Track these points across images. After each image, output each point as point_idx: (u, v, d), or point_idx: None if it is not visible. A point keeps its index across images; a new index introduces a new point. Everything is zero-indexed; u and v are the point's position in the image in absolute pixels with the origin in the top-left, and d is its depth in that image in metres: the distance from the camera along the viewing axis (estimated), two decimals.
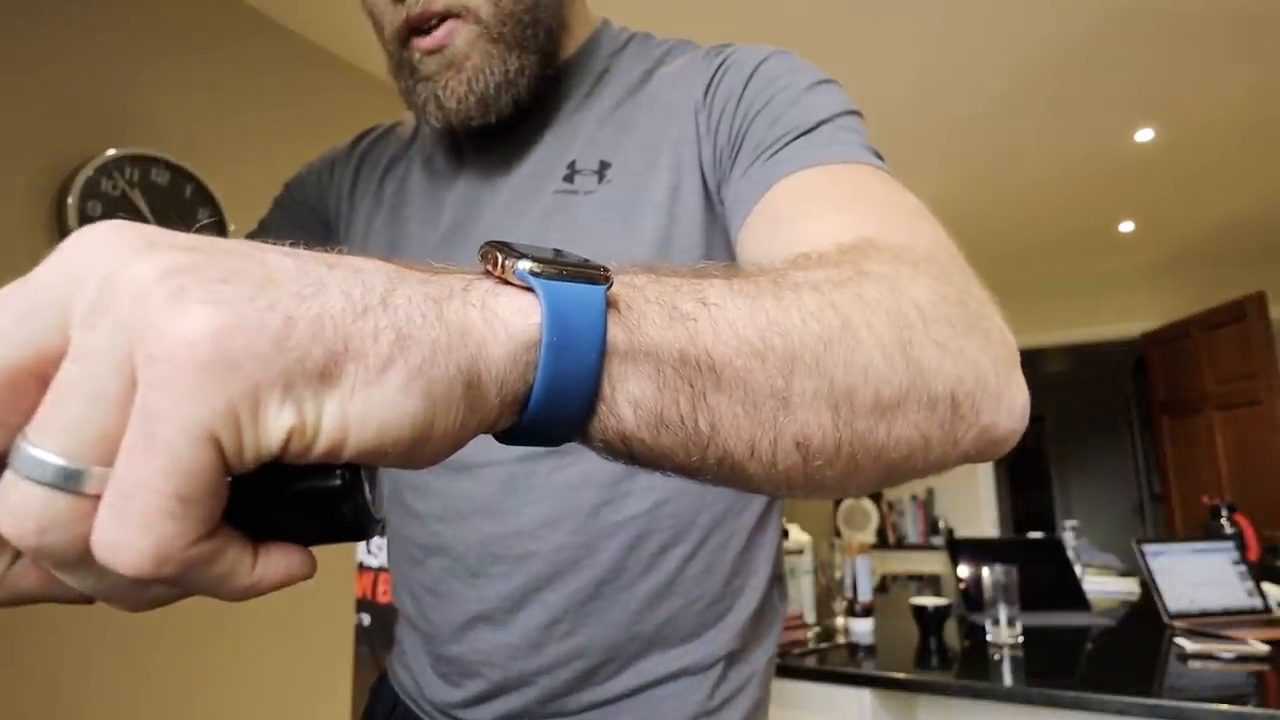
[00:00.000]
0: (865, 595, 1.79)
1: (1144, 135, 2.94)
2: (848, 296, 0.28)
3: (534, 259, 0.22)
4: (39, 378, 0.17)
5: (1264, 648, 1.44)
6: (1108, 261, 4.60)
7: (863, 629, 1.77)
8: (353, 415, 0.18)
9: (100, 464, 0.17)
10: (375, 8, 0.54)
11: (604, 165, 0.55)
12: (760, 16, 2.14)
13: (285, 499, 0.19)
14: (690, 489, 0.52)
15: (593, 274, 0.23)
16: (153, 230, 0.19)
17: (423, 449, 0.20)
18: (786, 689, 1.56)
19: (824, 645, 1.66)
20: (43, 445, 0.17)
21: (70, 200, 1.55)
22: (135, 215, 1.67)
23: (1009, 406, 0.33)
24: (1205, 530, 2.50)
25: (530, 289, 0.22)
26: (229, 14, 1.96)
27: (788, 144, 0.47)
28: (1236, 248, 4.34)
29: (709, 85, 0.53)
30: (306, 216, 0.70)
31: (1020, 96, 2.62)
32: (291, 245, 0.21)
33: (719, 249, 0.52)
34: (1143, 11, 2.16)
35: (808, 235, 0.40)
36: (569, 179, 0.55)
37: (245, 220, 1.87)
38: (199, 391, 0.16)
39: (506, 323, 0.21)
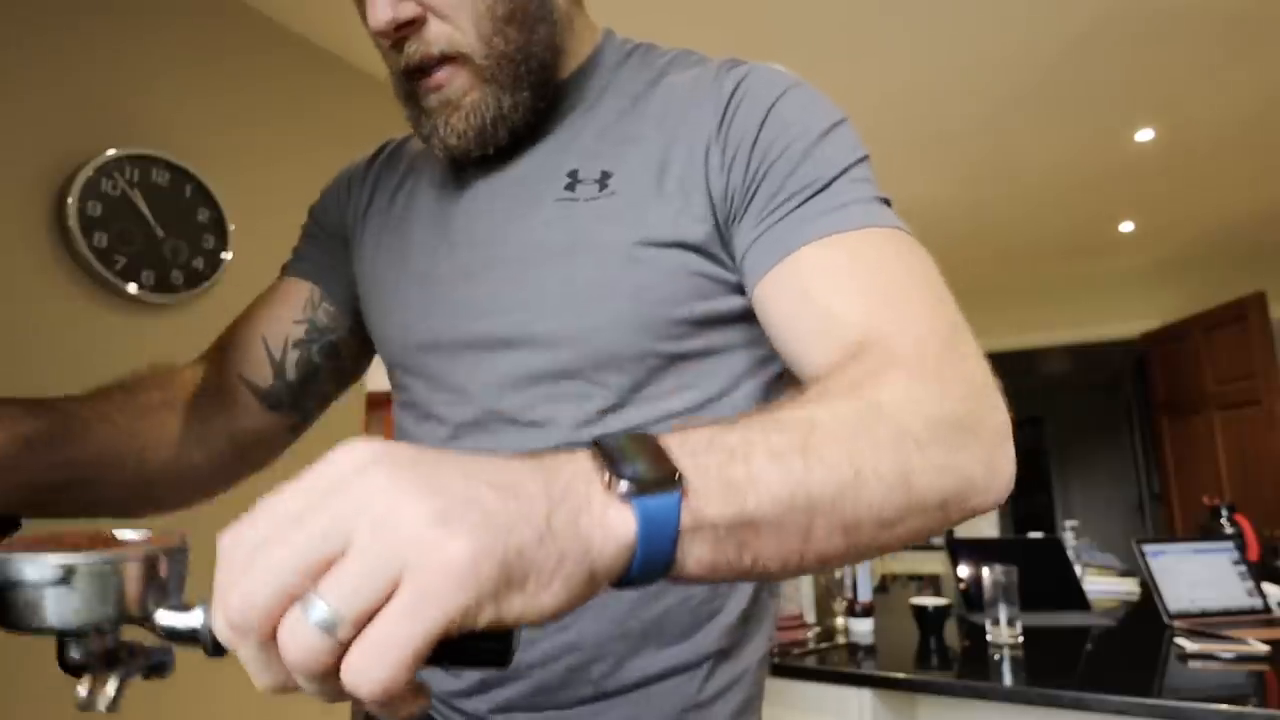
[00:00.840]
0: (865, 595, 1.79)
1: (1144, 135, 2.94)
2: (861, 446, 0.35)
3: (631, 480, 0.30)
4: (328, 562, 0.25)
5: (1264, 648, 1.44)
6: (1108, 261, 4.61)
7: (863, 629, 1.77)
8: (528, 609, 0.27)
9: (355, 625, 0.25)
10: (381, 46, 0.57)
11: (606, 175, 0.56)
12: (760, 19, 2.14)
13: (467, 649, 0.28)
14: None
15: (671, 484, 0.30)
16: (406, 466, 0.27)
17: (556, 618, 0.29)
18: (786, 689, 1.56)
19: (824, 645, 1.66)
20: (326, 599, 0.25)
21: (70, 200, 1.55)
22: (135, 215, 1.67)
23: (996, 488, 0.42)
24: (1205, 530, 2.50)
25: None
26: (229, 15, 1.96)
27: (805, 201, 0.51)
28: (1236, 248, 4.34)
29: (723, 117, 0.54)
30: (331, 242, 0.73)
31: (1020, 96, 2.63)
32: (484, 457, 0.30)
33: (709, 273, 0.54)
34: (1143, 11, 2.16)
35: (834, 322, 0.47)
36: (570, 187, 0.57)
37: (245, 220, 1.87)
38: (453, 594, 0.25)
39: (616, 535, 0.29)
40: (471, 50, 0.54)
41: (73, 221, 1.55)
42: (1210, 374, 4.08)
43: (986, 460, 0.40)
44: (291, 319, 0.69)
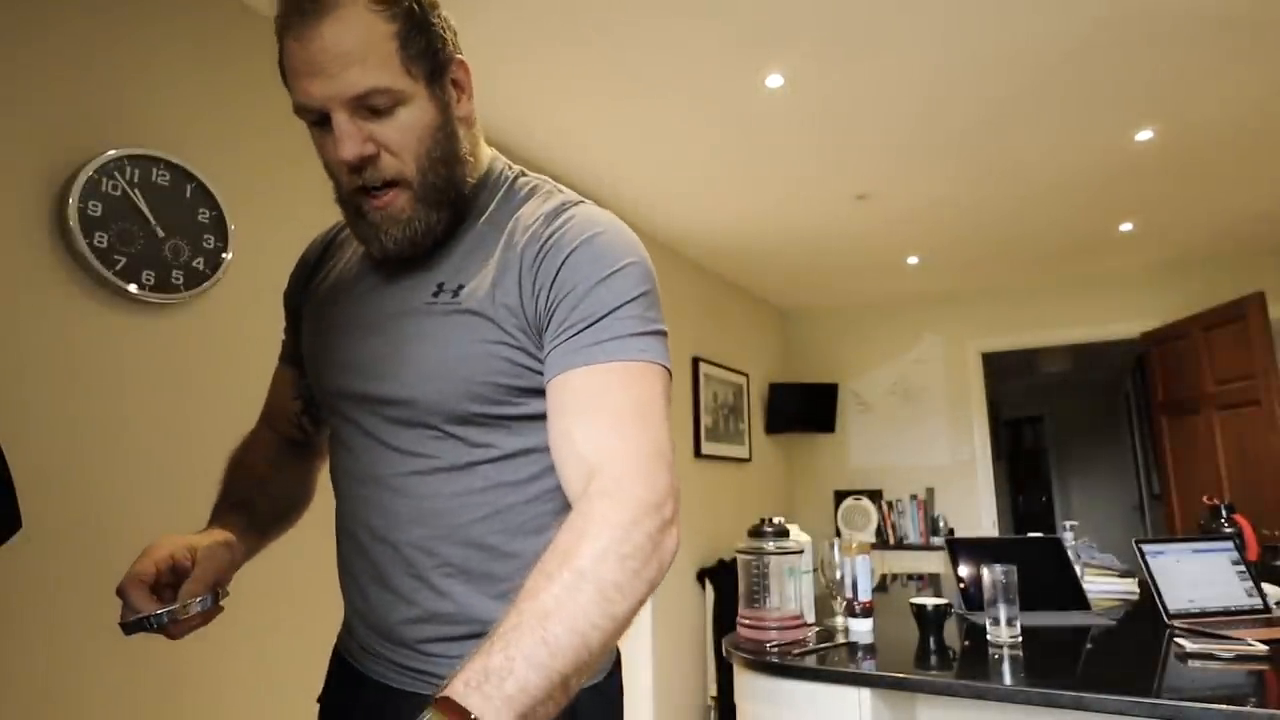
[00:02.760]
0: (865, 595, 1.80)
1: (1144, 135, 2.94)
2: (578, 616, 0.56)
3: None
4: None
5: (1263, 647, 1.44)
6: (1108, 261, 4.61)
7: (863, 629, 1.77)
8: None
9: None
10: (331, 163, 0.76)
11: (460, 287, 0.77)
12: (761, 19, 2.14)
13: None
14: (516, 507, 0.77)
15: None
16: None
17: None
18: (787, 689, 1.56)
19: (824, 645, 1.66)
20: None
21: (70, 200, 1.55)
22: (136, 215, 1.67)
23: (668, 565, 0.65)
24: (1204, 530, 2.51)
25: None
26: (229, 14, 1.96)
27: (579, 333, 0.71)
28: (1236, 248, 4.34)
29: (538, 254, 0.75)
30: (298, 325, 0.95)
31: (1020, 97, 2.63)
32: None
33: (523, 363, 0.75)
34: (1143, 12, 2.16)
35: (572, 445, 0.69)
36: (435, 294, 0.77)
37: (246, 220, 1.88)
38: None
39: None
40: (412, 179, 0.74)
41: (73, 221, 1.55)
42: (1210, 374, 4.08)
43: (660, 564, 0.63)
44: (291, 398, 0.98)
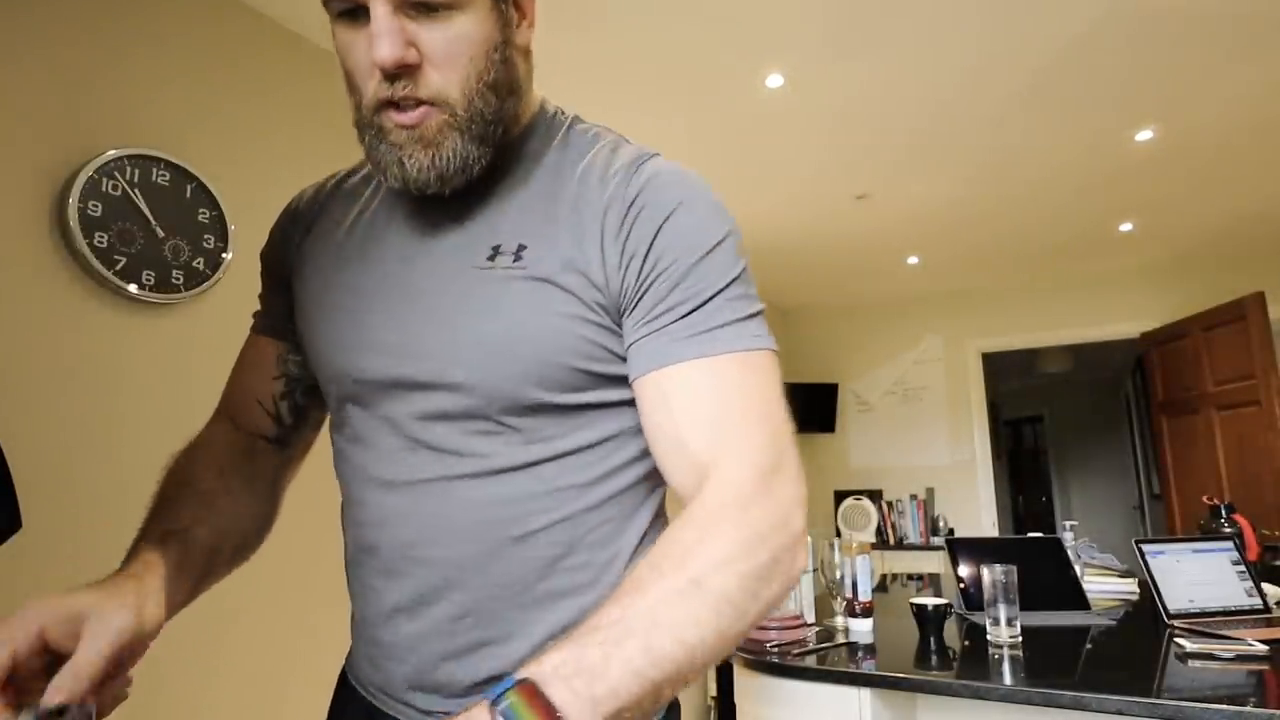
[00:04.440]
0: (865, 595, 1.80)
1: (1144, 135, 2.94)
2: (689, 628, 0.50)
3: None
4: None
5: (1263, 647, 1.44)
6: (1108, 261, 4.61)
7: (863, 629, 1.77)
8: None
9: None
10: (355, 69, 0.62)
11: (522, 248, 0.64)
12: (761, 19, 2.14)
13: None
14: (580, 514, 0.65)
15: None
16: None
17: None
18: (787, 689, 1.56)
19: (824, 645, 1.66)
20: None
21: (70, 200, 1.55)
22: (136, 215, 1.67)
23: (789, 591, 0.57)
24: (1204, 530, 2.51)
25: None
26: (229, 14, 1.96)
27: (682, 317, 0.61)
28: (1236, 248, 4.34)
29: (624, 219, 0.63)
30: (282, 290, 0.79)
31: (1020, 97, 2.63)
32: None
33: (599, 342, 0.64)
34: (1143, 11, 2.16)
35: (684, 448, 0.59)
36: (491, 258, 0.64)
37: (246, 220, 1.87)
38: None
39: None
40: (454, 102, 0.61)
41: (73, 221, 1.55)
42: (1210, 374, 4.08)
43: (784, 584, 0.56)
44: (270, 377, 0.80)
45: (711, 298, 0.61)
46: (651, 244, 0.61)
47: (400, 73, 0.59)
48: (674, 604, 0.50)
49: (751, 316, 0.63)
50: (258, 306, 0.84)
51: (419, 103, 0.60)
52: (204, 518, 0.71)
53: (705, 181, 0.67)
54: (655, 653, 0.48)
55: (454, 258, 0.66)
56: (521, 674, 0.45)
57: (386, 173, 0.64)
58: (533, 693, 0.44)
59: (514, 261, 0.63)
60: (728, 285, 0.62)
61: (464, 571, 0.63)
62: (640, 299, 0.62)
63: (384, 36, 0.57)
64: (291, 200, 0.82)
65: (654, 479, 0.69)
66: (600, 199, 0.64)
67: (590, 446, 0.65)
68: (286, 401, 0.80)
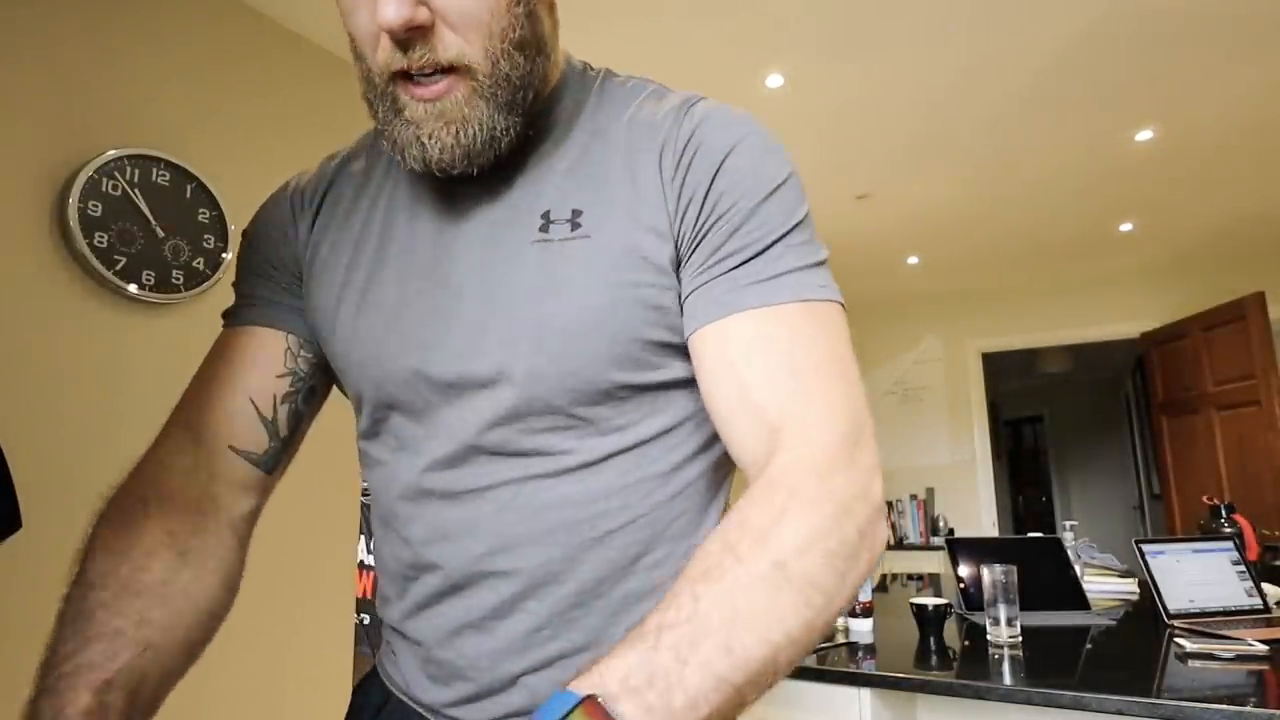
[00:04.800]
0: (865, 595, 1.80)
1: (1144, 135, 2.94)
2: (773, 623, 0.43)
3: None
4: None
5: (1263, 647, 1.44)
6: (1108, 261, 4.61)
7: (863, 629, 1.77)
8: None
9: None
10: (363, 36, 0.54)
11: (576, 213, 0.57)
12: (761, 18, 2.14)
13: None
14: (659, 507, 0.59)
15: None
16: None
17: None
18: (786, 689, 1.56)
19: (824, 645, 1.66)
20: None
21: (70, 200, 1.55)
22: (135, 215, 1.67)
23: (868, 576, 0.51)
24: (1204, 530, 2.51)
25: None
26: (229, 14, 1.96)
27: (743, 263, 0.55)
28: (1236, 248, 4.34)
29: (679, 161, 0.57)
30: (286, 278, 0.69)
31: (1020, 97, 2.63)
32: None
33: (667, 305, 0.57)
34: (1144, 12, 2.16)
35: (751, 406, 0.53)
36: (544, 229, 0.57)
37: (246, 220, 1.88)
38: None
39: None
40: (477, 66, 0.54)
41: (73, 221, 1.55)
42: (1210, 374, 4.08)
43: (870, 562, 0.49)
44: (274, 374, 0.66)
45: (775, 242, 0.55)
46: (710, 187, 0.56)
47: (411, 36, 0.51)
48: (756, 593, 0.43)
49: (819, 264, 0.57)
50: (234, 298, 0.72)
51: (437, 70, 0.53)
52: (155, 640, 0.54)
53: (761, 122, 0.60)
54: (738, 654, 0.41)
55: (499, 235, 0.58)
56: (585, 686, 0.39)
57: (405, 153, 0.56)
58: (599, 713, 0.37)
59: (572, 230, 0.56)
60: (792, 229, 0.56)
61: (541, 580, 0.57)
62: (698, 246, 0.56)
63: None
64: (287, 182, 0.73)
65: (727, 464, 0.63)
66: (654, 145, 0.58)
67: (667, 432, 0.59)
68: (287, 406, 0.67)
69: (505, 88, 0.55)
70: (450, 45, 0.53)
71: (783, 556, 0.45)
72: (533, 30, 0.56)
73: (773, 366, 0.53)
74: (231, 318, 0.69)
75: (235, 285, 0.72)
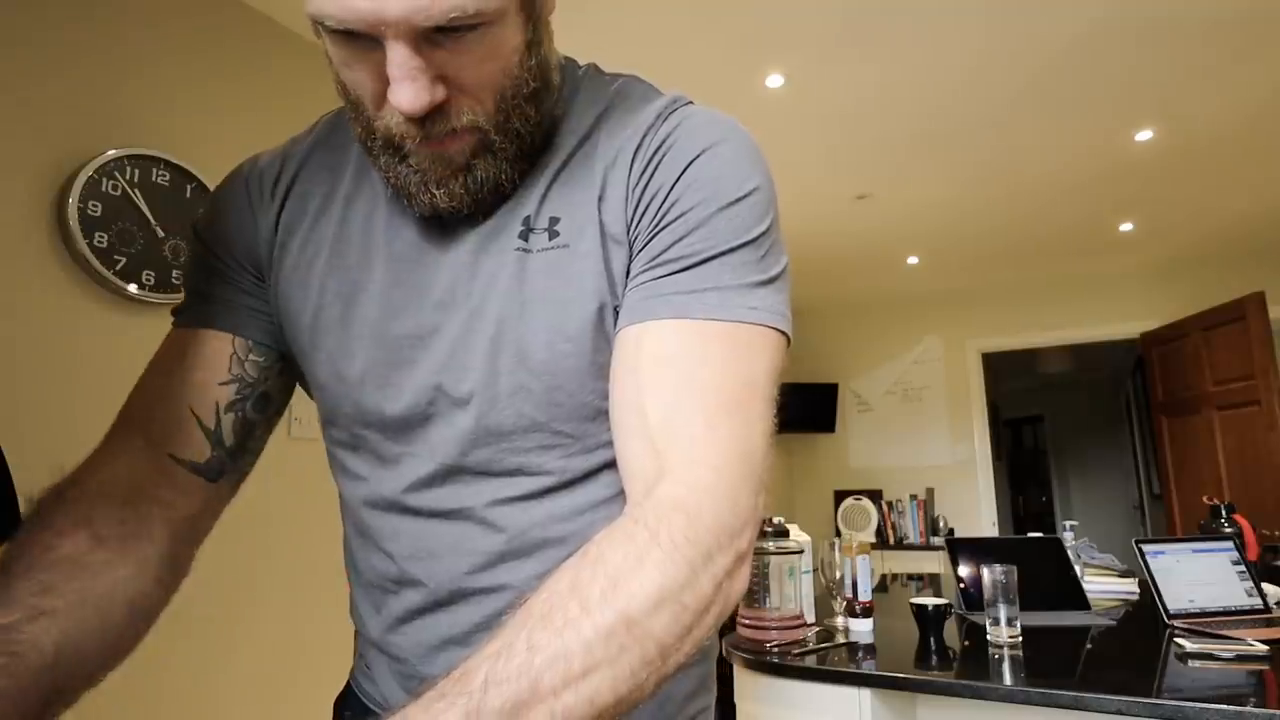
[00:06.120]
0: (865, 595, 1.80)
1: (1144, 135, 2.94)
2: (602, 691, 0.40)
3: None
4: None
5: (1263, 647, 1.44)
6: (1108, 261, 4.61)
7: (863, 629, 1.77)
8: None
9: None
10: (364, 94, 0.51)
11: (554, 221, 0.56)
12: (761, 18, 2.14)
13: None
14: None
15: None
16: None
17: None
18: (786, 689, 1.56)
19: (824, 645, 1.66)
20: None
21: (70, 200, 1.55)
22: (135, 215, 1.67)
23: (714, 630, 0.48)
24: (1204, 530, 2.51)
25: None
26: (230, 14, 1.96)
27: (675, 272, 0.53)
28: (1236, 248, 4.34)
29: (646, 166, 0.55)
30: (240, 275, 0.65)
31: (1020, 97, 2.63)
32: None
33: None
34: (1144, 12, 2.16)
35: (642, 423, 0.50)
36: (524, 235, 0.56)
37: None
38: None
39: None
40: (489, 125, 0.53)
41: (73, 221, 1.55)
42: (1209, 374, 4.08)
43: (717, 618, 0.47)
44: (216, 381, 0.62)
45: (714, 256, 0.53)
46: (670, 191, 0.54)
47: (429, 114, 0.50)
48: (596, 653, 0.40)
49: (763, 284, 0.53)
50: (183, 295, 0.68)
51: (452, 131, 0.52)
52: (55, 608, 0.49)
53: (743, 130, 0.58)
54: (560, 717, 0.39)
55: (481, 244, 0.57)
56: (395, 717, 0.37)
57: (411, 200, 0.55)
58: None
59: (549, 239, 0.55)
60: (738, 247, 0.53)
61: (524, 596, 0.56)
62: (644, 248, 0.54)
63: (406, 82, 0.47)
64: (240, 166, 0.67)
65: None
66: (630, 149, 0.56)
67: None
68: (232, 415, 0.62)
69: (514, 140, 0.54)
70: (465, 111, 0.51)
71: (632, 612, 0.42)
72: (543, 78, 0.55)
73: (671, 383, 0.50)
74: (177, 316, 0.66)
75: (183, 280, 0.68)
